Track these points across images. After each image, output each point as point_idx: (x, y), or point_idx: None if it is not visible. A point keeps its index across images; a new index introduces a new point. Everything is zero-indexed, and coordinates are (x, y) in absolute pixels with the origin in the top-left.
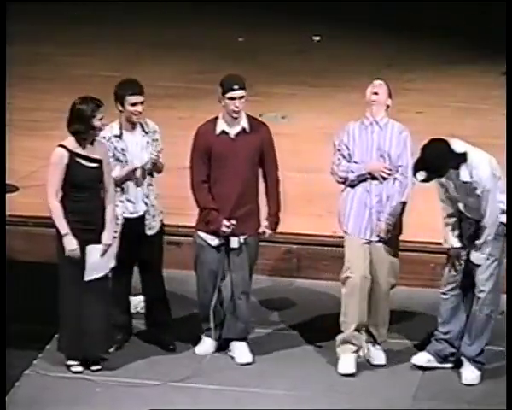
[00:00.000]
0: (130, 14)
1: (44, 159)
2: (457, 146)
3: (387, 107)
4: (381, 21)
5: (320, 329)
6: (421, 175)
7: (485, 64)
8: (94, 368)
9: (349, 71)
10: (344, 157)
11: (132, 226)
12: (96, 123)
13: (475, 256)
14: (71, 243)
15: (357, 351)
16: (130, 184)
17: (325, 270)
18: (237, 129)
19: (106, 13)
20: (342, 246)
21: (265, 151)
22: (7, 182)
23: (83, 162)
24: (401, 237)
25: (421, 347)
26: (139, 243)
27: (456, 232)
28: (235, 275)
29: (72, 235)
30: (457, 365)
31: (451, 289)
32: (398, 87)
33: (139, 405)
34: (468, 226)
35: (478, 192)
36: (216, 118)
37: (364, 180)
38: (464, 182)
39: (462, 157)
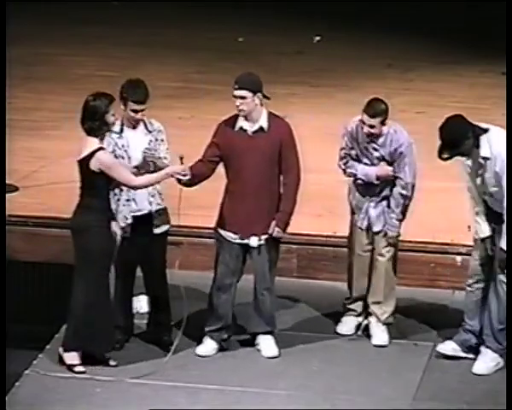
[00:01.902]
0: (131, 15)
1: (45, 159)
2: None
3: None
4: (381, 21)
5: (320, 329)
6: (444, 154)
7: (485, 64)
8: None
9: (349, 71)
10: (351, 156)
11: (138, 225)
12: (110, 119)
13: (503, 242)
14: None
15: (358, 315)
16: None
17: (325, 270)
18: (255, 127)
19: (106, 13)
20: (342, 246)
21: (284, 150)
22: (7, 182)
23: None
24: (401, 237)
25: (420, 346)
26: (145, 242)
27: (485, 222)
28: (256, 273)
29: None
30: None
31: (476, 282)
32: (398, 87)
33: (139, 405)
34: (493, 219)
35: (497, 169)
36: (237, 114)
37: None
38: (484, 158)
39: (482, 130)
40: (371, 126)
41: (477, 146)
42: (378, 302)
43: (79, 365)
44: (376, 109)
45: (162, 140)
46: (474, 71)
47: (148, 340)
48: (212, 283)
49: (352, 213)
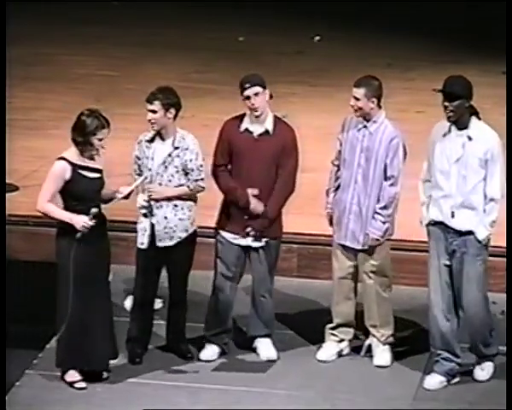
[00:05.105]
0: (131, 15)
1: (45, 158)
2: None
3: (378, 106)
4: (381, 21)
5: (320, 329)
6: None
7: (485, 64)
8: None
9: (349, 71)
10: (339, 153)
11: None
12: (95, 142)
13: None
14: (81, 219)
15: (340, 341)
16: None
17: (325, 270)
18: (261, 130)
19: (106, 13)
20: None
21: (284, 155)
22: (7, 182)
23: (84, 173)
24: (401, 237)
25: (421, 346)
26: (168, 249)
27: (436, 207)
28: (256, 275)
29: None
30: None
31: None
32: (398, 87)
33: (139, 405)
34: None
35: (486, 157)
36: (244, 114)
37: (348, 185)
38: (468, 137)
39: (477, 113)
40: (356, 99)
41: (466, 126)
42: (375, 326)
43: (80, 381)
44: (362, 80)
45: (190, 160)
46: (474, 71)
47: (165, 349)
48: (212, 286)
49: (331, 223)
